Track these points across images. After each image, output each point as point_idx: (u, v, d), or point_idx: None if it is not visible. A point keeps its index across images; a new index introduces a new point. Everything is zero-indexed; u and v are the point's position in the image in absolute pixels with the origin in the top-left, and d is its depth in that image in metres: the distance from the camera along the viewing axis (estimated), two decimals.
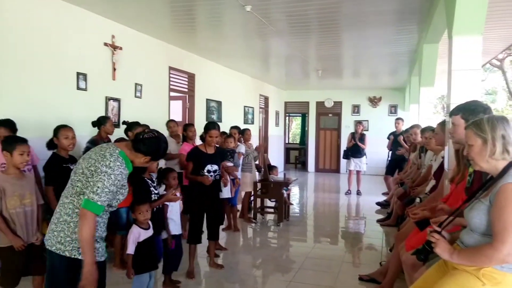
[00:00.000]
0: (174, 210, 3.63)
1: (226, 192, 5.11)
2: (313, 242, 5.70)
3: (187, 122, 7.15)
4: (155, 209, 3.33)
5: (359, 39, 6.62)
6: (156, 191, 3.40)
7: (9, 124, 3.76)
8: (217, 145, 4.43)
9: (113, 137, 4.72)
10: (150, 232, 3.14)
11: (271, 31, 6.06)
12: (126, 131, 4.85)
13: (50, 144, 3.71)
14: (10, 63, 4.21)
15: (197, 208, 4.08)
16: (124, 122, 5.01)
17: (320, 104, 14.15)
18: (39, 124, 4.37)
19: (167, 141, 2.40)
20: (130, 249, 3.02)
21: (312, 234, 6.32)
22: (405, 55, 7.76)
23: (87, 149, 4.45)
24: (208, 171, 4.07)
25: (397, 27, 5.88)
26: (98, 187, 2.07)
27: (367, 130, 12.39)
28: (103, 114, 5.38)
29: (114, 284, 3.81)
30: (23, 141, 3.01)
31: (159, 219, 3.41)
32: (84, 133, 4.77)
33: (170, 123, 5.87)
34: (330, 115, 14.18)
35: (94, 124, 4.78)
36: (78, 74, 5.06)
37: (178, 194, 3.53)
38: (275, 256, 4.94)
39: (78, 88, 5.08)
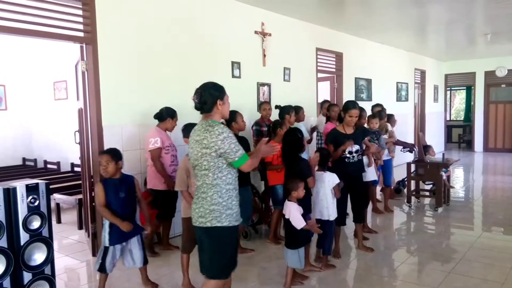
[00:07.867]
0: (327, 194, 3.68)
1: (370, 174, 4.87)
2: (481, 231, 5.06)
3: (333, 103, 7.06)
4: None
5: None
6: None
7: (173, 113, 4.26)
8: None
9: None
10: (301, 209, 3.27)
11: None
12: (280, 115, 4.85)
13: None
14: (172, 55, 4.73)
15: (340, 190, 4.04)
16: (276, 107, 5.22)
17: (489, 74, 12.35)
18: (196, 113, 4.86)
19: (211, 82, 2.62)
20: (302, 222, 3.19)
21: (480, 221, 5.60)
22: None
23: (256, 131, 5.16)
24: (350, 153, 3.97)
25: None
26: (232, 147, 2.38)
27: None
28: (255, 100, 5.75)
29: (267, 257, 4.11)
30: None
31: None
32: None
33: (325, 103, 5.99)
34: (503, 85, 12.31)
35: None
36: (233, 63, 5.48)
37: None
38: (432, 243, 4.56)
39: (233, 76, 5.50)
